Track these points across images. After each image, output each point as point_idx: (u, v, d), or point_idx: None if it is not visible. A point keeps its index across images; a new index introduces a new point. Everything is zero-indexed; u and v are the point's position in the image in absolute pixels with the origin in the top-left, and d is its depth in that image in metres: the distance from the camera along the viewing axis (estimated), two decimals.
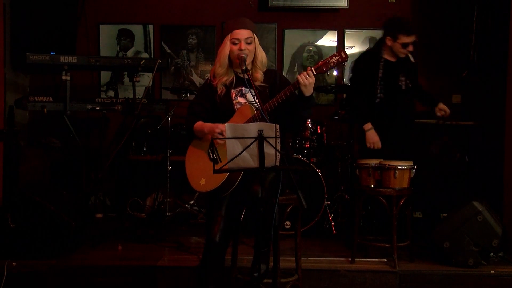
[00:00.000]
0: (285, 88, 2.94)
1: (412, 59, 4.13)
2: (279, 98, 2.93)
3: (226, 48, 3.06)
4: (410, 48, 4.04)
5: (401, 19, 4.12)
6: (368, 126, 4.06)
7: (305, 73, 2.89)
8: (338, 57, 2.93)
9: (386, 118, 4.11)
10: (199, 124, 3.06)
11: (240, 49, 3.00)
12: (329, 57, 2.95)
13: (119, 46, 5.73)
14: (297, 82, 2.91)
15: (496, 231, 3.53)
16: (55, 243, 3.65)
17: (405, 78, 4.14)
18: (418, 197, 4.00)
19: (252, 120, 2.92)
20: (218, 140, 2.89)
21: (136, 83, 4.52)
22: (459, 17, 5.38)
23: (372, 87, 4.10)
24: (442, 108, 4.20)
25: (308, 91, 2.92)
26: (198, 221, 4.86)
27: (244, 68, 2.94)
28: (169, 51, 5.73)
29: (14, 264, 3.47)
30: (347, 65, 5.50)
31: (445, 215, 3.84)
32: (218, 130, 2.91)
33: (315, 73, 2.90)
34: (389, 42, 4.07)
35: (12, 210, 3.65)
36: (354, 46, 5.70)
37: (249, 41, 3.03)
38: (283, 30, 5.70)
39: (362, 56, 4.37)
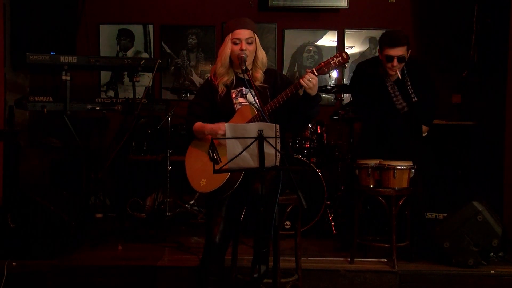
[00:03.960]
0: (286, 89, 2.94)
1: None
2: (280, 99, 2.93)
3: (227, 48, 3.05)
4: (395, 63, 3.63)
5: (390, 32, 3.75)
6: None
7: (307, 76, 2.88)
8: (339, 58, 2.93)
9: None
10: (198, 124, 3.06)
11: (241, 49, 3.00)
12: (330, 58, 2.95)
13: (119, 46, 5.73)
14: (299, 85, 2.90)
15: (496, 231, 3.52)
16: (55, 243, 3.65)
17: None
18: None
19: (252, 121, 2.91)
20: (219, 140, 2.89)
21: (136, 83, 4.52)
22: (459, 17, 5.38)
23: None
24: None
25: (314, 91, 2.93)
26: (198, 221, 4.85)
27: (244, 68, 2.94)
28: (169, 51, 5.73)
29: (14, 264, 3.47)
30: (348, 66, 5.53)
31: (445, 215, 3.83)
32: (221, 132, 2.89)
33: (316, 74, 2.90)
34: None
35: (12, 210, 3.65)
36: (354, 46, 5.70)
37: (250, 41, 3.03)
38: (283, 30, 5.70)
39: None
